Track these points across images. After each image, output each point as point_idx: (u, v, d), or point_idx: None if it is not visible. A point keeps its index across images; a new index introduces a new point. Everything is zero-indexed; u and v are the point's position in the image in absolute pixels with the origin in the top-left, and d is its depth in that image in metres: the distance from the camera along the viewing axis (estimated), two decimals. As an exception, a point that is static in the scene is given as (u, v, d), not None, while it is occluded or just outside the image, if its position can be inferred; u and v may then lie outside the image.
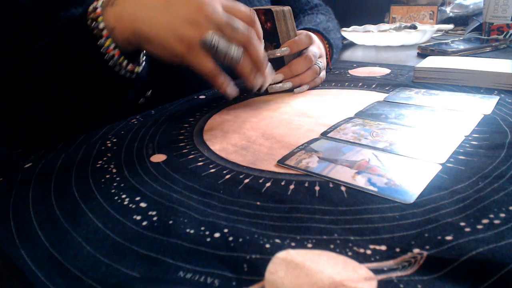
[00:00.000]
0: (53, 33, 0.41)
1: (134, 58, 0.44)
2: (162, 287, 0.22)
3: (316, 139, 0.40)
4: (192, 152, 0.39)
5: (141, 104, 0.48)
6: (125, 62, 0.42)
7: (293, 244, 0.24)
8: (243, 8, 0.43)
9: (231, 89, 0.44)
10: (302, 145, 0.39)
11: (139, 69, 0.44)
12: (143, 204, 0.30)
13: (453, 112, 0.46)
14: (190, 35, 0.40)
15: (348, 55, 0.94)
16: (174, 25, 0.40)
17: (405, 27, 1.07)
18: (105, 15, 0.39)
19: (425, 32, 0.99)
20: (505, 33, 0.89)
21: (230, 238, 0.25)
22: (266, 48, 0.57)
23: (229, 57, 0.41)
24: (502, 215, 0.25)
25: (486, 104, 0.47)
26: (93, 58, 0.40)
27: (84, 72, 0.41)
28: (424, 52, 0.84)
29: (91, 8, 0.40)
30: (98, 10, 0.39)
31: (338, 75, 0.69)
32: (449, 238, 0.24)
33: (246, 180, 0.33)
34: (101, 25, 0.39)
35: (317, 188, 0.31)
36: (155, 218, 0.28)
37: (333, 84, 0.63)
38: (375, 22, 1.19)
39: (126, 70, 0.42)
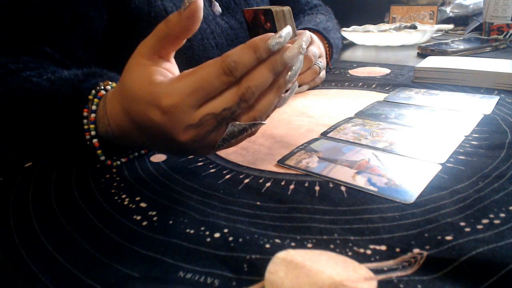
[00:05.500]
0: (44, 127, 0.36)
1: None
2: (162, 287, 0.22)
3: (316, 139, 0.40)
4: (192, 152, 0.39)
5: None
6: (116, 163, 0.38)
7: (293, 244, 0.24)
8: (210, 74, 0.28)
9: None
10: (302, 145, 0.39)
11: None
12: (143, 204, 0.30)
13: (453, 112, 0.46)
14: (200, 154, 0.38)
15: (348, 55, 0.94)
16: (180, 155, 0.38)
17: (405, 27, 1.07)
18: (106, 145, 0.36)
19: (425, 32, 0.99)
20: (505, 33, 0.89)
21: (230, 238, 0.25)
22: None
23: (249, 130, 0.32)
24: (502, 215, 0.25)
25: (486, 104, 0.47)
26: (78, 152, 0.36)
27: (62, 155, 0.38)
28: (424, 52, 0.84)
29: (88, 134, 0.35)
30: (95, 142, 0.35)
31: (338, 75, 0.69)
32: (449, 238, 0.24)
33: (246, 180, 0.33)
34: (102, 158, 0.36)
35: (317, 188, 0.31)
36: (155, 218, 0.28)
37: (333, 84, 0.63)
38: (375, 22, 1.19)
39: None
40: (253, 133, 0.33)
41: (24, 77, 0.38)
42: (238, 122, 0.31)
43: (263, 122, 0.33)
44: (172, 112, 0.28)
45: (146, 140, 0.32)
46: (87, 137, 0.34)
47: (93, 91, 0.35)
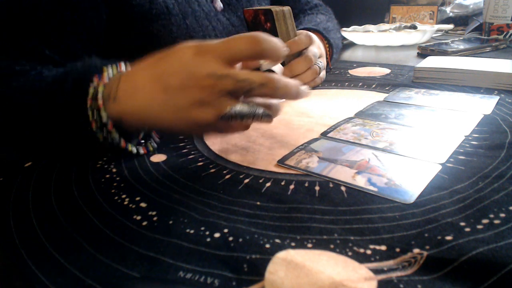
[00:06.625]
0: (44, 105, 0.36)
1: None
2: (162, 287, 0.22)
3: (316, 139, 0.40)
4: (192, 152, 0.39)
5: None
6: (132, 148, 0.39)
7: (293, 244, 0.24)
8: (241, 39, 0.32)
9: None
10: (302, 145, 0.39)
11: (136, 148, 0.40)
12: (143, 204, 0.30)
13: (453, 112, 0.46)
14: (204, 117, 0.34)
15: (348, 55, 0.94)
16: (184, 115, 0.34)
17: (405, 27, 1.07)
18: (108, 110, 0.35)
19: (425, 32, 0.99)
20: (505, 33, 0.89)
21: (230, 238, 0.25)
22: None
23: (258, 118, 0.34)
24: (502, 215, 0.25)
25: (486, 104, 0.47)
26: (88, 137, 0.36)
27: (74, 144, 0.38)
28: (424, 52, 0.84)
29: (91, 91, 0.35)
30: (100, 102, 0.34)
31: (338, 75, 0.69)
32: (449, 238, 0.24)
33: (246, 180, 0.33)
34: (105, 118, 0.35)
35: (317, 188, 0.31)
36: (155, 218, 0.28)
37: (333, 84, 0.63)
38: (375, 22, 1.19)
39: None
40: (264, 119, 0.35)
41: (26, 77, 0.38)
42: (248, 104, 0.33)
43: (269, 115, 0.34)
44: (203, 54, 0.32)
45: (157, 93, 0.33)
46: (90, 110, 0.34)
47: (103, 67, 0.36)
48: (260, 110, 0.34)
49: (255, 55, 0.33)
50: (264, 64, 0.40)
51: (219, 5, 0.65)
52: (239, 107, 0.33)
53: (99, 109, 0.34)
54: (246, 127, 0.37)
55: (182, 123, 0.35)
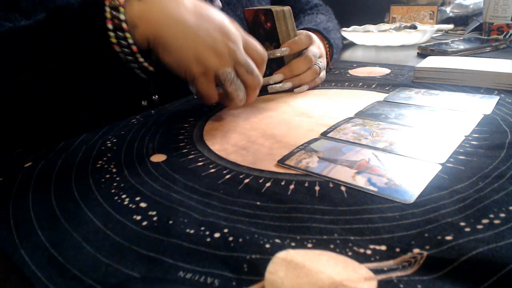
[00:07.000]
0: (54, 10, 0.38)
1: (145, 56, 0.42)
2: (162, 287, 0.22)
3: (316, 139, 0.40)
4: (192, 152, 0.39)
5: (143, 106, 0.47)
6: (141, 59, 0.40)
7: (293, 244, 0.24)
8: (259, 48, 0.45)
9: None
10: (302, 145, 0.39)
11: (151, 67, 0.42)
12: (143, 204, 0.30)
13: (453, 112, 0.46)
14: (211, 63, 0.40)
15: (348, 55, 0.94)
16: (199, 48, 0.39)
17: (405, 27, 1.07)
18: (129, 8, 0.36)
19: (425, 32, 0.99)
20: (505, 33, 0.89)
21: (230, 238, 0.25)
22: (266, 48, 0.57)
23: (235, 97, 0.44)
24: (502, 215, 0.25)
25: (486, 104, 0.47)
26: (105, 48, 0.37)
27: (88, 58, 0.38)
28: (424, 52, 0.84)
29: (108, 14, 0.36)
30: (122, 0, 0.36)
31: (338, 75, 0.69)
32: (449, 238, 0.24)
33: (246, 180, 0.33)
34: (122, 16, 0.35)
35: (317, 188, 0.31)
36: (155, 218, 0.28)
37: (333, 84, 0.63)
38: (375, 22, 1.19)
39: (140, 67, 0.40)
40: (236, 102, 0.45)
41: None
42: (235, 77, 0.43)
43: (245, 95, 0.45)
44: (237, 29, 0.43)
45: (190, 15, 0.39)
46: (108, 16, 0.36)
47: None
48: (242, 93, 0.44)
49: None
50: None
51: (218, 3, 0.64)
52: (234, 78, 0.42)
53: (117, 7, 0.36)
54: (215, 99, 0.44)
55: (191, 55, 0.40)
